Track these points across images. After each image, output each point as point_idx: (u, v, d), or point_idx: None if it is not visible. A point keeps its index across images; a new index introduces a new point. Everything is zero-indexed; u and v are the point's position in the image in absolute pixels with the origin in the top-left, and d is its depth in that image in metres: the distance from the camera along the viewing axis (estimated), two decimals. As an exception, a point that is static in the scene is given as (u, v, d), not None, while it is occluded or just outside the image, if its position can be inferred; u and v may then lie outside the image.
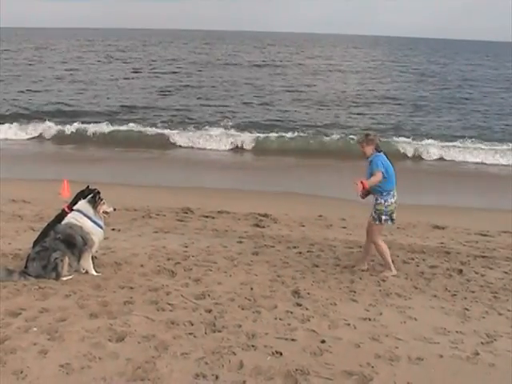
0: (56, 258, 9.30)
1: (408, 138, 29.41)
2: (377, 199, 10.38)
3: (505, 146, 28.11)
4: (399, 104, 41.86)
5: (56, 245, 9.43)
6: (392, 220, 10.47)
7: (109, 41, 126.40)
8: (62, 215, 10.14)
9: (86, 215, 9.77)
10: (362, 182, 10.07)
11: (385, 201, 10.31)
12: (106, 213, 10.05)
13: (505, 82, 60.04)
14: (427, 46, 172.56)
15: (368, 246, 10.81)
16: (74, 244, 9.57)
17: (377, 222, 10.44)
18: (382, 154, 10.49)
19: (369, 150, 10.49)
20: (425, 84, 55.98)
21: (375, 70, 69.68)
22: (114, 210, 10.24)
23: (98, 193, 10.02)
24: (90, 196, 9.96)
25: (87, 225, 9.74)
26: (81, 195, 10.23)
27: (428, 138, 29.13)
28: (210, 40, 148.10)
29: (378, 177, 10.18)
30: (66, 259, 9.40)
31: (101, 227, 9.94)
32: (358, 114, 37.73)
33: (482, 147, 27.93)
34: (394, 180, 10.37)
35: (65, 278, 9.30)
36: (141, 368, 6.48)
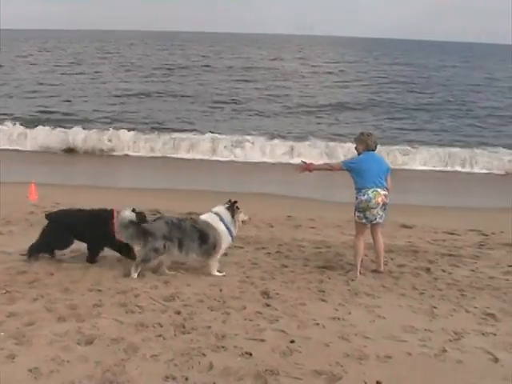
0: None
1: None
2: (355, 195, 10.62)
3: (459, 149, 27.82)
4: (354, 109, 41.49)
5: (192, 232, 10.12)
6: (366, 218, 10.52)
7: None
8: (106, 215, 10.52)
9: (222, 220, 10.37)
10: (308, 164, 10.98)
11: (356, 198, 10.51)
12: (243, 222, 10.75)
13: (474, 85, 60.35)
14: (402, 48, 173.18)
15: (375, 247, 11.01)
16: (206, 241, 10.17)
17: (354, 217, 10.70)
18: (371, 153, 10.71)
19: (359, 148, 10.84)
20: (386, 87, 55.65)
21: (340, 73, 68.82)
22: (249, 218, 10.95)
23: (236, 202, 10.57)
24: (229, 203, 10.57)
25: (221, 229, 10.31)
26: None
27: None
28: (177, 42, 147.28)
29: (331, 165, 11.54)
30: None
31: (232, 236, 10.52)
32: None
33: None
34: (371, 180, 10.41)
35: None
36: (110, 371, 6.45)
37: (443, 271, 10.97)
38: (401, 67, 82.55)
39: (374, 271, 10.77)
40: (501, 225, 15.28)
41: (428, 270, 11.00)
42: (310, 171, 11.13)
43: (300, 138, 28.91)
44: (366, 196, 10.37)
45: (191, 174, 22.84)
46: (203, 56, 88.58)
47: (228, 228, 10.39)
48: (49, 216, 10.73)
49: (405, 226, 14.40)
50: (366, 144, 10.72)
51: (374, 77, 64.63)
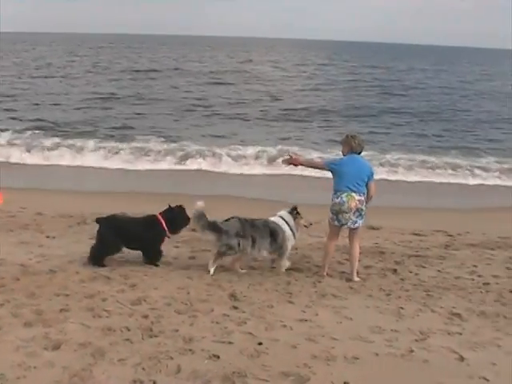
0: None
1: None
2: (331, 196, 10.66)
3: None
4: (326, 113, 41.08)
5: (264, 230, 10.78)
6: (338, 221, 10.51)
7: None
8: (152, 219, 11.00)
9: (287, 223, 10.99)
10: (294, 158, 11.19)
11: (332, 199, 10.51)
12: (305, 226, 11.35)
13: (449, 88, 60.78)
14: (369, 50, 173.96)
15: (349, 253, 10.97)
16: (276, 239, 10.79)
17: (328, 218, 10.74)
18: (355, 156, 10.63)
19: (344, 150, 10.81)
20: (349, 91, 55.53)
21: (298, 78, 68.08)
22: (311, 224, 11.50)
23: (296, 207, 11.16)
24: (291, 208, 11.16)
25: (287, 230, 10.93)
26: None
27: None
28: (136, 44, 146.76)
29: (315, 163, 12.01)
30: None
31: (294, 238, 11.13)
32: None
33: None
34: (347, 184, 10.38)
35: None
36: (77, 376, 6.42)
37: (410, 272, 11.05)
38: (371, 70, 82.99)
39: (348, 280, 10.63)
40: (466, 225, 15.47)
41: (395, 271, 11.08)
42: (295, 165, 11.29)
43: (265, 144, 28.30)
44: (339, 199, 10.39)
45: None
46: (173, 59, 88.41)
47: (292, 230, 10.99)
48: (98, 220, 10.98)
49: (372, 228, 14.45)
50: (350, 146, 10.64)
51: (345, 80, 64.90)
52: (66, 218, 14.32)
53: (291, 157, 11.22)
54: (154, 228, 10.84)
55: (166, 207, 11.11)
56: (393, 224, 15.01)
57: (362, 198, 10.39)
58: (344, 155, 10.77)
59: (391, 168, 24.54)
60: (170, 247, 11.88)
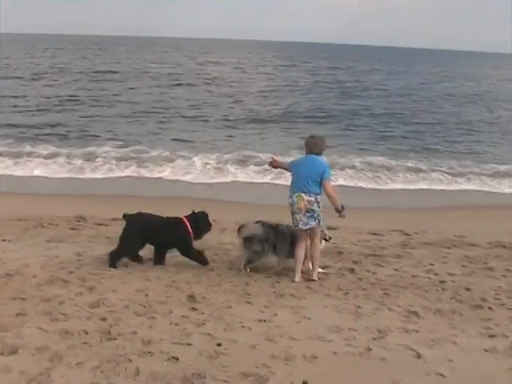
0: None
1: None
2: None
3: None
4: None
5: (287, 235, 10.92)
6: (293, 222, 10.59)
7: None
8: (178, 222, 11.11)
9: None
10: (273, 160, 11.30)
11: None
12: (325, 240, 11.46)
13: (412, 90, 61.21)
14: (328, 52, 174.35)
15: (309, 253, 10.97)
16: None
17: None
18: (310, 157, 10.61)
19: (305, 150, 10.80)
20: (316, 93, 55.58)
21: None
22: (330, 238, 11.69)
23: None
24: None
25: None
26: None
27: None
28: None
29: (284, 164, 11.43)
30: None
31: None
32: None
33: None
34: (298, 184, 10.48)
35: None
36: (35, 380, 6.36)
37: (367, 271, 11.15)
38: (331, 71, 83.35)
39: (307, 280, 10.63)
40: (423, 225, 15.68)
41: (352, 270, 11.16)
42: (274, 167, 11.46)
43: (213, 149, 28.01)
44: (291, 199, 10.45)
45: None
46: (131, 60, 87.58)
47: None
48: (125, 217, 11.28)
49: (330, 228, 14.48)
50: (307, 147, 10.68)
51: (305, 82, 64.96)
52: (23, 220, 14.20)
53: (272, 158, 11.37)
54: (179, 230, 11.00)
55: (190, 212, 11.23)
56: (350, 224, 15.05)
57: (313, 199, 10.35)
58: (306, 153, 10.79)
59: (350, 170, 24.62)
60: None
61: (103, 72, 65.71)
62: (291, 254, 10.83)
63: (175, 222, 11.07)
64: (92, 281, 9.88)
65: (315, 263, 10.74)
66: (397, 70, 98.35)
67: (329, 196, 10.49)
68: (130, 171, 24.05)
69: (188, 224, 11.01)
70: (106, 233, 13.35)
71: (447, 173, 24.96)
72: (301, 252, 10.72)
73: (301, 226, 10.50)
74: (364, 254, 12.44)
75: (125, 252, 10.98)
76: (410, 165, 26.12)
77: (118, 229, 13.42)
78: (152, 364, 6.87)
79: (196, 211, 11.20)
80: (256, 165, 24.62)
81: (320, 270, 10.88)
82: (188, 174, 23.69)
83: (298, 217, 10.43)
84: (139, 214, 11.17)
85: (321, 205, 10.47)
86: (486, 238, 14.37)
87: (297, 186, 10.45)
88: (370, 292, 10.02)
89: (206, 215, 11.25)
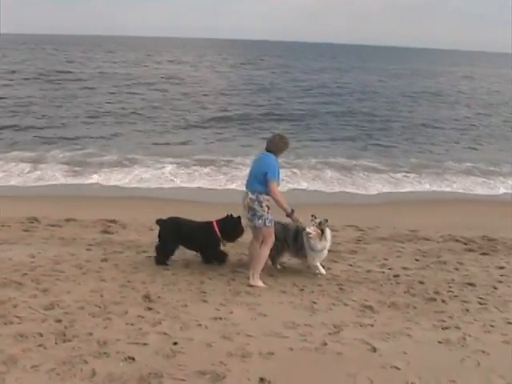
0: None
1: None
2: None
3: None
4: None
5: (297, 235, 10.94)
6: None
7: None
8: (207, 226, 11.18)
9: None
10: None
11: None
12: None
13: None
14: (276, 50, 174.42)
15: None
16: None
17: None
18: (263, 154, 10.43)
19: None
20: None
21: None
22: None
23: (326, 220, 10.85)
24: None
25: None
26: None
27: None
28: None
29: None
30: None
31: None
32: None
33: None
34: (247, 181, 10.44)
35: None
36: (-11, 385, 6.30)
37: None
38: (287, 69, 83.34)
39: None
40: (376, 220, 15.83)
41: (308, 266, 11.20)
42: None
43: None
44: (243, 195, 10.43)
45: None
46: (86, 60, 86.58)
47: None
48: (159, 222, 11.34)
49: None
50: (266, 144, 10.51)
51: (260, 81, 64.77)
52: (-26, 224, 14.01)
53: None
54: (207, 233, 11.09)
55: (224, 216, 11.25)
56: (304, 219, 15.17)
57: (254, 197, 10.12)
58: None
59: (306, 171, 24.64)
60: (81, 250, 11.78)
61: (58, 72, 64.20)
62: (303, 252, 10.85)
63: (204, 226, 11.18)
64: (46, 283, 9.76)
65: (254, 265, 10.41)
66: (354, 66, 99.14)
67: (273, 198, 10.20)
68: (84, 178, 22.69)
69: (217, 228, 11.07)
70: (60, 234, 13.22)
71: (401, 171, 25.14)
72: (252, 249, 10.66)
73: (247, 222, 10.48)
74: (319, 249, 12.47)
75: (167, 255, 11.21)
76: (365, 163, 26.22)
77: (71, 229, 13.36)
78: (108, 365, 6.83)
79: (229, 215, 11.21)
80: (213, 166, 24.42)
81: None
82: (143, 180, 22.54)
83: (244, 213, 10.41)
84: (171, 219, 11.29)
85: (264, 204, 10.15)
86: (438, 232, 14.61)
87: (246, 183, 10.42)
88: (326, 288, 10.11)
89: (238, 221, 11.13)
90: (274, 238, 10.46)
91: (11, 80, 55.06)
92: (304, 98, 51.09)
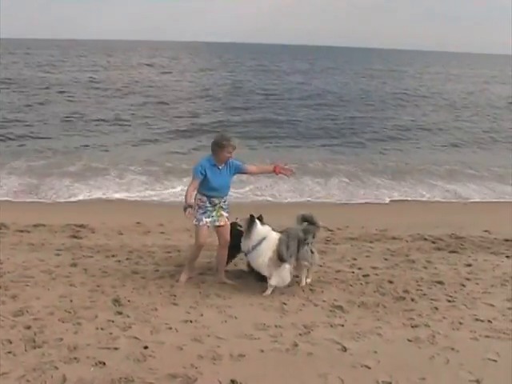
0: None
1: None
2: None
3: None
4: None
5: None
6: None
7: None
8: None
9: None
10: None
11: None
12: None
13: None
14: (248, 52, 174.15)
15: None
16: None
17: None
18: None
19: None
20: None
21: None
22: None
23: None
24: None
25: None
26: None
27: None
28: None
29: None
30: None
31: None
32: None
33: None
34: None
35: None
36: (-42, 394, 6.25)
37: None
38: (255, 73, 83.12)
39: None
40: (345, 220, 15.87)
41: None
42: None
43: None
44: None
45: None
46: (43, 64, 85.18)
47: None
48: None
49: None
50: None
51: (226, 84, 64.30)
52: None
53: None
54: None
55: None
56: (272, 220, 15.19)
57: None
58: None
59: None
60: (50, 255, 11.70)
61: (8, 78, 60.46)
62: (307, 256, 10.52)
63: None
64: (15, 289, 9.67)
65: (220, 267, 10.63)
66: (326, 68, 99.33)
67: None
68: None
69: None
70: (29, 239, 13.08)
71: (369, 171, 25.23)
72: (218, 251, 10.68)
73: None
74: (288, 250, 12.49)
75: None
76: (341, 167, 26.07)
77: (40, 235, 13.26)
78: (79, 370, 6.81)
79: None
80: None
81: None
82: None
83: None
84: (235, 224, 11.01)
85: (196, 204, 10.03)
86: (407, 231, 14.70)
87: None
88: (295, 289, 10.12)
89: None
90: (200, 239, 10.20)
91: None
92: (262, 100, 50.65)
